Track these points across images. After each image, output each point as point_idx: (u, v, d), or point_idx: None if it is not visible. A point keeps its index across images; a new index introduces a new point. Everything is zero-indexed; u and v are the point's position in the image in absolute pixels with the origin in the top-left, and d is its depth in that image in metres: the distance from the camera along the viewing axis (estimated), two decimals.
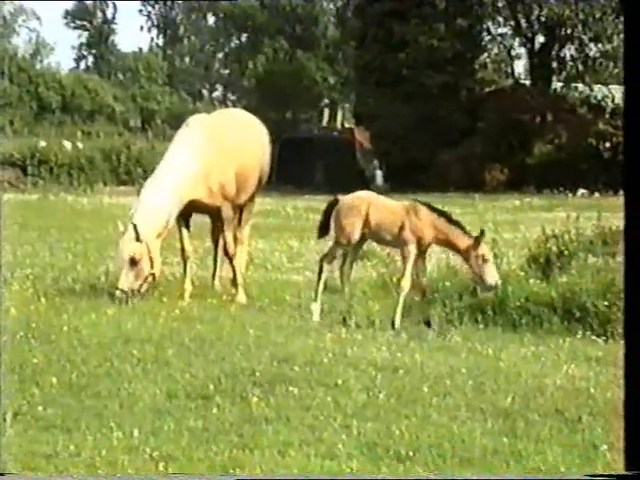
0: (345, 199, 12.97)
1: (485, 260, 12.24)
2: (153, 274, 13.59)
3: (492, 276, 12.29)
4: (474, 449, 7.45)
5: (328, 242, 13.39)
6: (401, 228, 12.48)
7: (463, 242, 12.31)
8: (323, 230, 13.22)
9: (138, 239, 13.36)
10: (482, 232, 12.40)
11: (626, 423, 5.50)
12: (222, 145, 14.40)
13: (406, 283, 12.44)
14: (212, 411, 8.28)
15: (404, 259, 12.58)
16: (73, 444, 7.38)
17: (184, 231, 14.36)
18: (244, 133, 15.00)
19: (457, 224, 12.51)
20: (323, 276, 12.90)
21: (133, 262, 13.36)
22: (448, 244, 12.54)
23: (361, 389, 9.03)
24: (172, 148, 14.44)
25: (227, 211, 14.47)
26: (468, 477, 6.33)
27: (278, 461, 7.14)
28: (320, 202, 15.70)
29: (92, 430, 7.71)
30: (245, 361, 9.97)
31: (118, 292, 13.29)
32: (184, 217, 14.27)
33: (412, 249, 12.45)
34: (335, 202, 13.01)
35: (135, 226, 13.40)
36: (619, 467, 7.09)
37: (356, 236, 12.75)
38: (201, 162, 14.07)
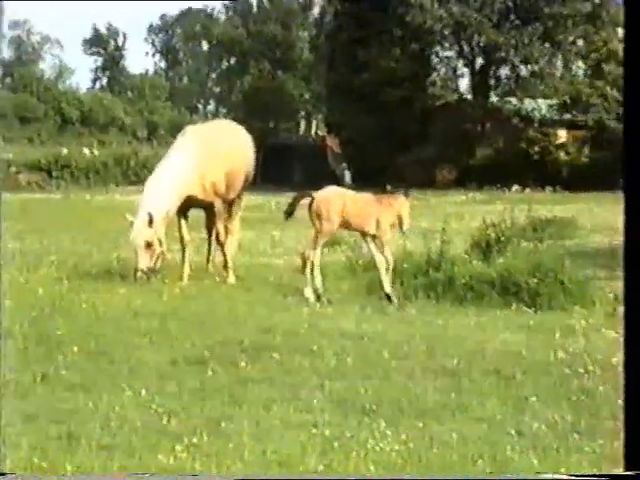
0: (321, 194, 12.60)
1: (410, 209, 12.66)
2: (162, 252, 13.56)
3: (409, 223, 12.58)
4: (427, 403, 7.46)
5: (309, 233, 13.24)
6: (378, 218, 12.39)
7: (402, 200, 12.48)
8: (289, 214, 12.88)
9: (151, 225, 13.29)
10: (408, 188, 12.94)
11: (626, 423, 5.09)
12: (213, 150, 14.33)
13: (387, 257, 12.39)
14: (207, 374, 8.25)
15: (381, 241, 12.45)
16: (91, 402, 7.34)
17: (183, 223, 14.32)
18: (232, 140, 14.96)
19: (392, 191, 12.90)
20: (309, 263, 12.51)
21: (148, 245, 13.32)
22: (397, 210, 12.51)
23: (332, 354, 9.00)
24: (171, 152, 14.36)
25: (218, 206, 14.44)
26: (471, 477, 6.12)
27: (263, 415, 7.13)
28: None
29: (107, 390, 7.67)
30: (235, 332, 9.93)
31: (139, 273, 13.24)
32: (183, 211, 14.23)
33: (388, 233, 12.43)
34: (305, 194, 12.74)
35: (150, 214, 13.32)
36: (545, 415, 7.11)
37: (336, 226, 12.62)
38: (195, 165, 14.00)
